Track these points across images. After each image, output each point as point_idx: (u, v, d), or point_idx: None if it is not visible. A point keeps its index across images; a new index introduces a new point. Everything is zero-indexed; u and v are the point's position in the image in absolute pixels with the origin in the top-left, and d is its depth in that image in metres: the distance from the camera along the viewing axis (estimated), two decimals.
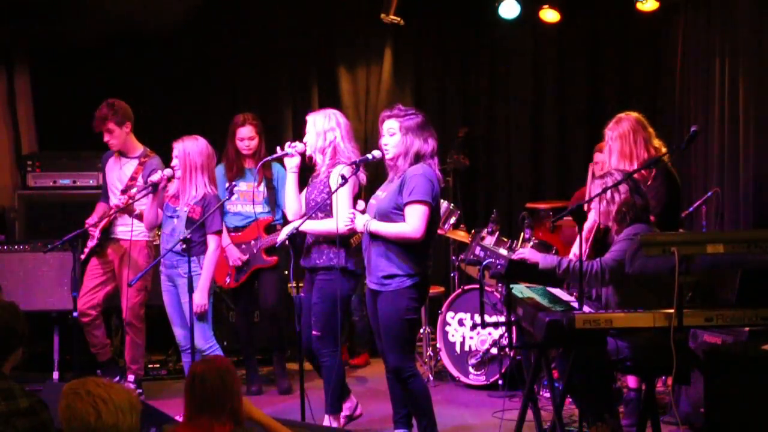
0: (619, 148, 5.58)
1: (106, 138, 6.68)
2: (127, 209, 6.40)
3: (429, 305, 7.14)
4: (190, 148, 5.88)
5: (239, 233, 6.86)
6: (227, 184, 6.74)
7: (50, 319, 7.01)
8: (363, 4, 8.66)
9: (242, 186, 6.86)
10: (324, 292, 5.53)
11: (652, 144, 5.60)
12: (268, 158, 5.98)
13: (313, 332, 5.57)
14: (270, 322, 7.02)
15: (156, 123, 6.94)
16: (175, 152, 5.90)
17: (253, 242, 6.83)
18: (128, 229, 6.59)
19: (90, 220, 6.67)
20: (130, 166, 6.72)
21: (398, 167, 5.18)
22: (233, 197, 6.72)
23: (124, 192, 6.50)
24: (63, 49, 8.09)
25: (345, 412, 5.86)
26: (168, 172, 5.92)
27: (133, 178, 6.66)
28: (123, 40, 8.09)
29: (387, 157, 5.22)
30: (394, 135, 5.17)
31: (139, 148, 6.77)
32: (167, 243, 5.92)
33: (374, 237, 5.15)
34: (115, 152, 6.78)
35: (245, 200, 6.86)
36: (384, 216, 5.12)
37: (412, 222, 5.05)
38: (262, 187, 6.89)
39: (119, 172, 6.73)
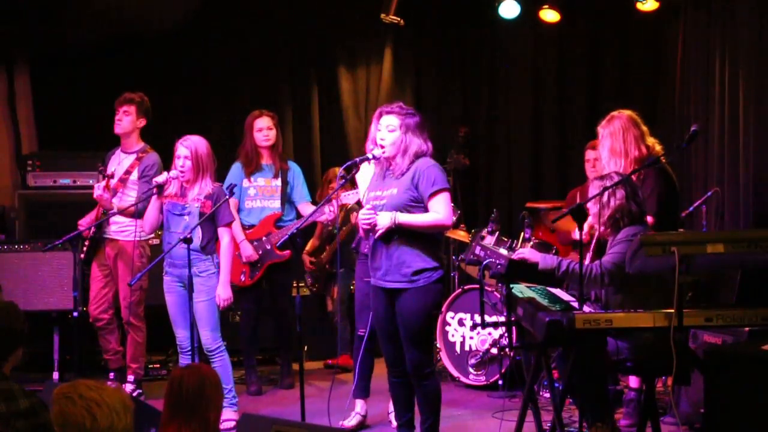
0: (609, 145, 5.57)
1: (117, 117, 6.69)
2: (103, 204, 6.41)
3: None
4: (200, 146, 5.90)
5: (251, 230, 6.92)
6: (245, 181, 6.91)
7: (50, 319, 7.01)
8: (363, 4, 8.67)
9: (260, 181, 6.95)
10: None
11: (644, 142, 5.57)
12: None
13: None
14: (280, 320, 7.04)
15: (156, 123, 6.93)
16: (184, 151, 5.85)
17: (264, 238, 6.87)
18: (123, 229, 6.61)
19: (83, 221, 6.65)
20: (127, 160, 6.74)
21: (397, 165, 5.10)
22: (251, 193, 6.89)
23: (104, 176, 6.48)
24: (63, 49, 8.09)
25: (362, 412, 5.98)
26: (174, 173, 5.90)
27: (128, 172, 6.67)
28: (123, 40, 8.09)
29: (383, 152, 5.12)
30: (393, 131, 5.08)
31: (140, 144, 6.78)
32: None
33: (394, 234, 5.02)
34: (117, 149, 6.78)
35: (264, 196, 6.94)
36: (400, 210, 5.01)
37: (443, 210, 5.02)
38: (279, 182, 6.92)
39: (118, 167, 6.73)
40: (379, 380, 5.82)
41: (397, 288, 5.08)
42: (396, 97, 8.59)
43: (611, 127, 5.59)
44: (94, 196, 6.44)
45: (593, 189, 5.02)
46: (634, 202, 4.94)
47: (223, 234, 5.89)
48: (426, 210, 5.04)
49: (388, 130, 5.10)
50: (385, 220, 4.99)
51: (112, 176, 6.53)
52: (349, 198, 6.22)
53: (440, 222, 5.05)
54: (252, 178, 6.93)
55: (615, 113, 5.66)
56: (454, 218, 6.86)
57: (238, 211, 6.92)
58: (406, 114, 5.12)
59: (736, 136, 7.34)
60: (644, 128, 5.61)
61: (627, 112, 5.64)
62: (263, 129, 6.94)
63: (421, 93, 9.00)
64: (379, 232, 5.02)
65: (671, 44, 8.23)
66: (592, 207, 5.02)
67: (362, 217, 5.07)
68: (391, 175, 5.14)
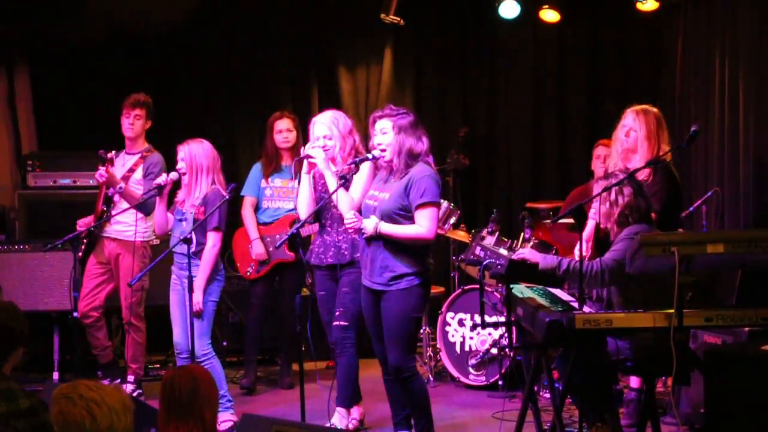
0: (645, 133, 5.60)
1: (130, 121, 6.71)
2: (110, 181, 6.40)
3: (429, 305, 7.13)
4: (196, 151, 5.90)
5: (266, 228, 7.00)
6: (263, 182, 6.99)
7: (50, 319, 7.02)
8: (363, 4, 8.66)
9: (277, 182, 7.00)
10: (356, 284, 5.55)
11: (666, 143, 5.65)
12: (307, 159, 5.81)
13: (341, 323, 5.61)
14: (285, 320, 7.06)
15: (156, 123, 6.93)
16: (180, 155, 5.90)
17: (278, 236, 6.90)
18: (125, 229, 6.61)
19: (81, 222, 6.66)
20: (131, 160, 6.76)
21: (394, 166, 5.16)
22: (268, 194, 6.98)
23: (104, 160, 6.47)
24: (63, 49, 8.09)
25: (357, 417, 5.93)
26: (174, 175, 5.93)
27: (131, 170, 6.68)
28: (123, 40, 8.09)
29: (383, 156, 5.20)
30: (386, 134, 5.16)
31: (144, 145, 6.80)
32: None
33: (379, 239, 5.12)
34: (121, 152, 6.79)
35: (280, 196, 6.98)
36: (387, 218, 5.11)
37: (426, 224, 5.08)
38: (296, 184, 6.95)
39: (122, 169, 6.74)
40: (378, 381, 5.80)
41: (379, 290, 5.17)
42: (396, 96, 8.59)
43: (647, 117, 5.66)
44: (101, 180, 6.44)
45: (598, 188, 5.02)
46: (642, 198, 4.95)
47: (209, 238, 5.84)
48: (413, 219, 5.10)
49: (381, 133, 5.20)
50: (369, 225, 5.11)
51: (112, 161, 6.52)
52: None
53: (421, 236, 5.09)
54: (269, 179, 7.00)
55: (647, 106, 5.74)
56: (454, 219, 6.91)
57: (256, 210, 7.01)
58: (398, 115, 5.19)
59: (736, 136, 7.34)
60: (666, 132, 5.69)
61: (656, 109, 5.74)
62: (283, 131, 7.00)
63: (421, 93, 8.99)
64: (365, 235, 5.15)
65: (671, 44, 8.23)
66: (601, 206, 5.00)
67: (346, 221, 5.21)
68: (393, 178, 5.18)
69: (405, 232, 5.09)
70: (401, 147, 5.13)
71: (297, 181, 6.87)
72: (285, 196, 6.99)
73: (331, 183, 5.55)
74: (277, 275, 7.05)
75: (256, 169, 7.09)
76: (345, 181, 5.37)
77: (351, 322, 5.63)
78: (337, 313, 5.66)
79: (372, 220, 5.12)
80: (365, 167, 5.49)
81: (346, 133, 5.72)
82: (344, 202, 5.43)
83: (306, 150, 5.73)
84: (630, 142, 5.67)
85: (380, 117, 5.21)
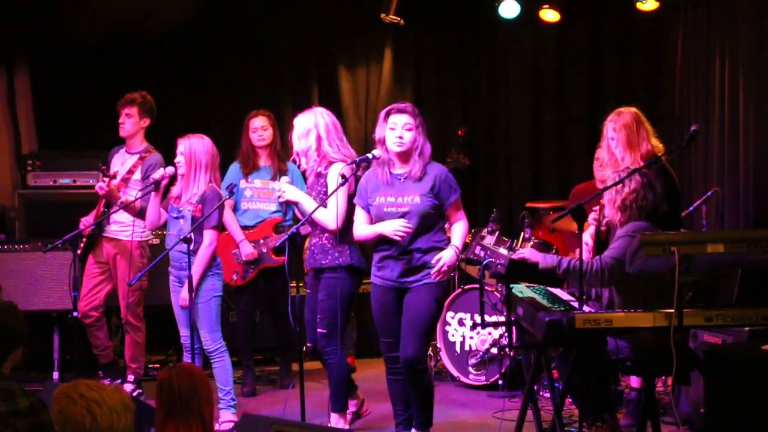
0: (625, 138, 5.56)
1: (121, 119, 6.69)
2: (111, 195, 6.38)
3: None
4: (196, 146, 5.86)
5: (249, 231, 6.89)
6: (242, 182, 6.90)
7: (50, 319, 7.02)
8: (363, 4, 8.67)
9: (257, 183, 6.92)
10: (331, 290, 5.54)
11: (650, 140, 5.61)
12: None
13: (319, 330, 5.59)
14: (277, 321, 7.04)
15: (156, 123, 6.93)
16: (180, 149, 5.86)
17: (261, 241, 6.85)
18: (123, 229, 6.61)
19: (85, 219, 6.67)
20: (131, 160, 6.74)
21: (415, 164, 5.19)
22: (248, 194, 6.89)
23: (105, 175, 6.45)
24: (63, 49, 8.10)
25: (351, 409, 5.89)
26: (170, 170, 5.90)
27: (130, 171, 6.67)
28: (123, 40, 8.10)
29: (399, 150, 5.18)
30: (411, 130, 5.18)
31: (143, 144, 6.78)
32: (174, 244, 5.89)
33: (415, 243, 5.17)
34: (121, 149, 6.79)
35: (259, 197, 6.90)
36: (427, 217, 5.17)
37: (464, 217, 5.32)
38: (277, 185, 6.89)
39: (121, 168, 6.73)
40: (378, 381, 5.81)
41: (405, 287, 5.20)
42: (396, 97, 8.60)
43: (623, 120, 5.58)
44: (101, 193, 6.42)
45: (612, 178, 4.99)
46: (651, 192, 4.91)
47: (206, 235, 5.80)
48: (441, 214, 5.24)
49: (405, 129, 5.19)
50: (452, 257, 5.16)
51: (114, 176, 6.51)
52: None
53: (468, 227, 5.35)
54: (249, 179, 6.91)
55: (622, 109, 5.67)
56: None
57: (234, 211, 6.91)
58: (418, 116, 5.24)
59: (736, 136, 7.34)
60: (649, 126, 5.63)
61: (633, 108, 5.67)
62: (258, 129, 6.94)
63: (421, 93, 9.00)
64: (448, 269, 5.16)
65: (671, 44, 8.24)
66: (607, 195, 4.99)
67: (401, 229, 5.14)
68: (406, 179, 5.21)
69: (463, 236, 5.28)
70: (423, 147, 5.21)
71: (274, 178, 6.86)
72: (265, 197, 6.89)
73: (308, 203, 5.58)
74: (261, 279, 6.96)
75: (234, 169, 6.94)
76: (345, 180, 5.36)
77: (329, 329, 5.58)
78: (318, 318, 5.66)
79: (450, 252, 5.15)
80: (331, 182, 5.49)
81: (302, 135, 5.69)
82: (324, 216, 5.49)
83: (278, 186, 5.79)
84: (616, 151, 5.65)
85: (402, 112, 5.22)
